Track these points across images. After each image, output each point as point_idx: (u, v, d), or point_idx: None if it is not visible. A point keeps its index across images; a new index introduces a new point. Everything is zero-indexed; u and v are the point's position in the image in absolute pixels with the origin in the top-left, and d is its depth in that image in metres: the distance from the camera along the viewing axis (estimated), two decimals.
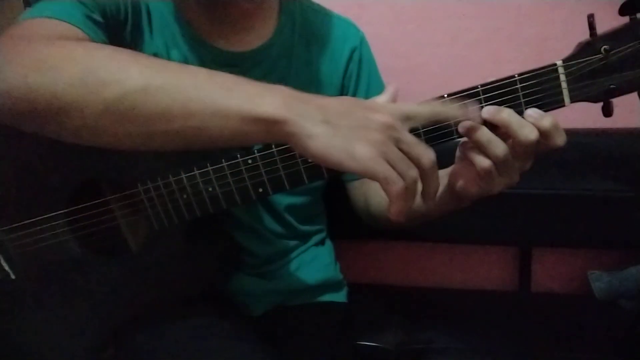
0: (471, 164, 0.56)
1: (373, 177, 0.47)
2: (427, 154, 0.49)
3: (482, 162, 0.55)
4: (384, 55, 0.87)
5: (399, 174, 0.47)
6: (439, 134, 0.57)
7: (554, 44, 1.04)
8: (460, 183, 0.61)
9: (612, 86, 0.55)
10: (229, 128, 0.49)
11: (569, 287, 1.19)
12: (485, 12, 1.06)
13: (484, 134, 0.54)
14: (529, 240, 1.14)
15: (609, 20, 0.95)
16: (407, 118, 0.51)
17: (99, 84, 0.49)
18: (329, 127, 0.47)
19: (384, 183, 0.47)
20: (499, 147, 0.54)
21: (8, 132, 0.71)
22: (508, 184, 0.57)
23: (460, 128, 0.55)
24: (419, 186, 0.50)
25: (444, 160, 0.61)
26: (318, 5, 0.85)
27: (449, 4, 1.06)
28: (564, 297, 1.17)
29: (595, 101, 0.56)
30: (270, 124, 0.48)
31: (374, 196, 0.82)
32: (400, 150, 0.48)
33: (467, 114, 0.54)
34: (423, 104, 0.54)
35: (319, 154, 0.47)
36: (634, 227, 1.02)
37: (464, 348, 0.95)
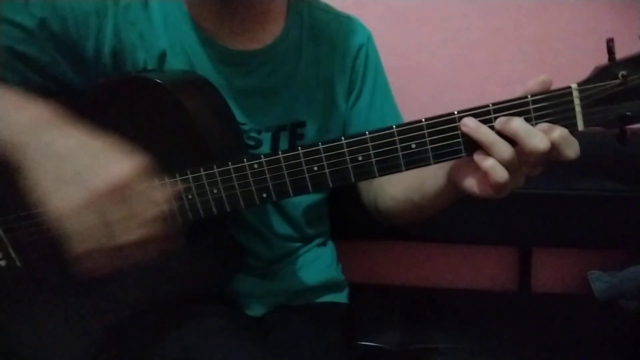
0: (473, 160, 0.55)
1: None
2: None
3: (484, 160, 0.54)
4: (384, 55, 0.87)
5: None
6: (447, 151, 0.56)
7: (554, 44, 1.03)
8: (467, 181, 0.59)
9: (628, 113, 0.53)
10: None
11: (569, 287, 1.19)
12: (485, 12, 1.06)
13: (487, 134, 0.53)
14: (529, 240, 1.14)
15: (609, 20, 0.95)
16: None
17: None
18: None
19: None
20: (504, 149, 0.53)
21: None
22: (513, 187, 0.56)
23: (463, 126, 0.54)
24: None
25: None
26: (325, 4, 0.85)
27: (449, 4, 1.06)
28: (564, 297, 1.16)
29: (609, 127, 0.54)
30: None
31: (382, 194, 0.82)
32: None
33: None
34: None
35: None
36: (634, 227, 1.02)
37: (464, 348, 0.95)
